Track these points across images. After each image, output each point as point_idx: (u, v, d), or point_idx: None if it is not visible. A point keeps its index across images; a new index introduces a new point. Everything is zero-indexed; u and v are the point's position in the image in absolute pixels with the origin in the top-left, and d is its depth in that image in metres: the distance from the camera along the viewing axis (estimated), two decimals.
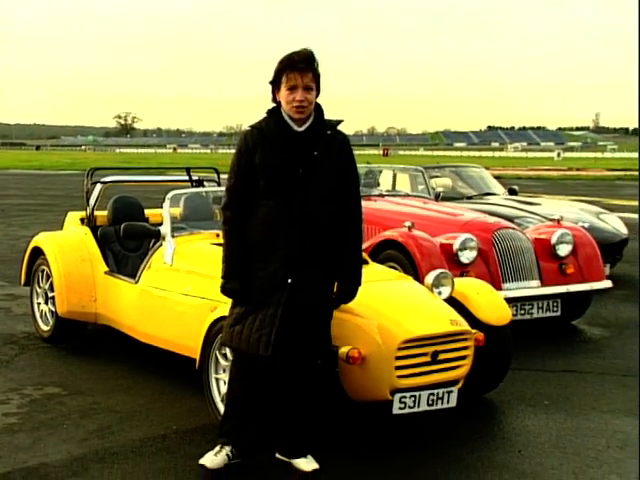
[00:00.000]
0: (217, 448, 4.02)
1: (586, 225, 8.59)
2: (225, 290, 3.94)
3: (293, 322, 3.84)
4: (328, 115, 3.96)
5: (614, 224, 9.83)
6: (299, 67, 3.77)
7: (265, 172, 3.81)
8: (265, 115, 3.92)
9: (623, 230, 9.75)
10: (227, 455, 3.99)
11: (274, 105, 3.91)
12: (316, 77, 3.84)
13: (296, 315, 3.84)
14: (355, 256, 4.02)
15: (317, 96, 3.88)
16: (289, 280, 3.81)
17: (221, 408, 4.48)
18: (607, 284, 7.27)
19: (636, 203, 22.39)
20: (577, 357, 6.30)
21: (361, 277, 4.04)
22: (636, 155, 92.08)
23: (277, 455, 4.07)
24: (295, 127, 3.84)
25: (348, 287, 4.01)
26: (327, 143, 3.88)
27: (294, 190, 3.82)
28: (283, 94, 3.81)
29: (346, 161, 3.95)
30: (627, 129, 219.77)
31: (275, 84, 3.85)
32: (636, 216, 17.96)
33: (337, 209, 3.91)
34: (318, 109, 3.91)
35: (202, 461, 3.98)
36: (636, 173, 42.98)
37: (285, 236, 3.81)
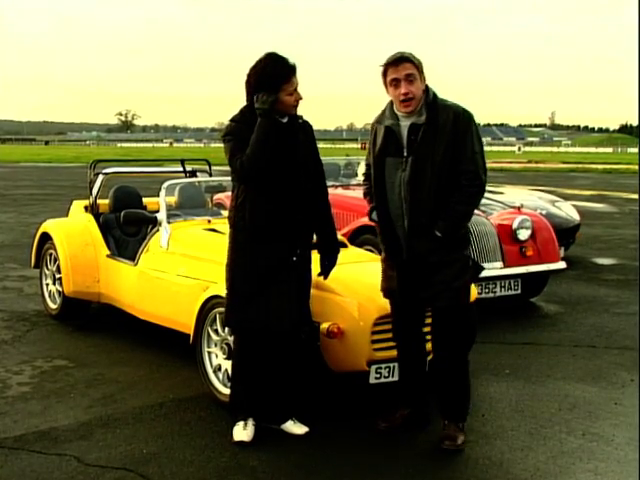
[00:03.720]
0: (241, 423, 3.91)
1: (543, 212, 8.60)
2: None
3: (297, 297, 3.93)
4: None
5: (568, 211, 9.87)
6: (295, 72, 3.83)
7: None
8: (264, 116, 3.74)
9: (576, 216, 9.80)
10: (253, 425, 3.93)
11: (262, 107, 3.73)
12: None
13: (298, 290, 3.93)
14: (334, 229, 4.13)
15: None
16: (294, 258, 3.86)
17: (213, 379, 4.47)
18: (562, 265, 7.31)
19: (587, 193, 22.54)
20: (535, 331, 6.34)
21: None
22: (588, 150, 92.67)
23: (263, 424, 4.01)
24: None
25: (334, 257, 4.10)
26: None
27: None
28: (285, 96, 3.77)
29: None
30: (579, 126, 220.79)
31: (276, 89, 3.75)
32: (586, 204, 18.07)
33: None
34: None
35: (238, 438, 3.85)
36: (587, 166, 43.19)
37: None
